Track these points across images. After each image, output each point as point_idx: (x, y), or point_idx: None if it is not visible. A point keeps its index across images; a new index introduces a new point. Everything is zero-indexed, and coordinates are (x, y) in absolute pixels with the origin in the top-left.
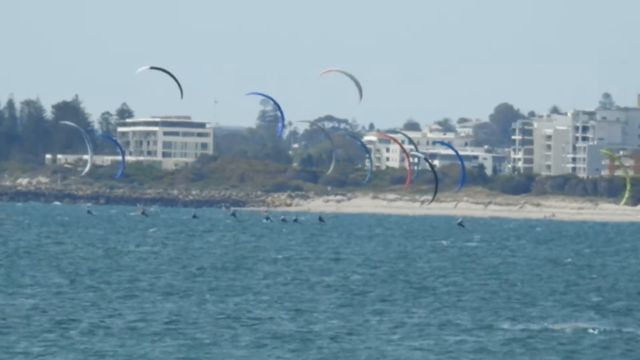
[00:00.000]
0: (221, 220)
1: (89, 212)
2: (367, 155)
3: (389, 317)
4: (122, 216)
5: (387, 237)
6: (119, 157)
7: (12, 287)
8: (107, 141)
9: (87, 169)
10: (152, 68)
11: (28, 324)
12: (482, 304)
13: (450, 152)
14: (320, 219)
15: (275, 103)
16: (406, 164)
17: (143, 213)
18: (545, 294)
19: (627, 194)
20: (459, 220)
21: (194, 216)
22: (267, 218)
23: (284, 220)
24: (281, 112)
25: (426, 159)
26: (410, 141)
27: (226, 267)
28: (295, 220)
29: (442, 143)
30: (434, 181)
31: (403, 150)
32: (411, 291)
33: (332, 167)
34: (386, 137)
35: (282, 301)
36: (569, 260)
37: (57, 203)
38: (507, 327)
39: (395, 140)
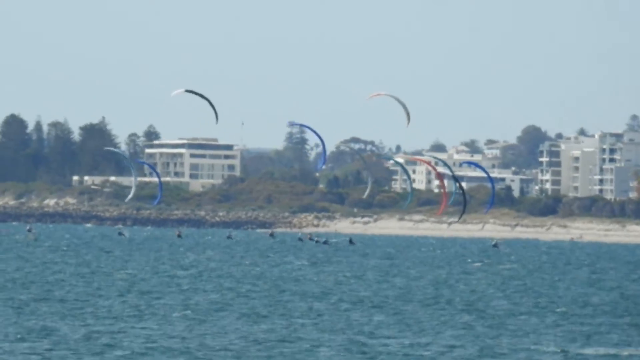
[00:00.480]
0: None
1: (120, 234)
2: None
3: None
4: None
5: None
6: (146, 179)
7: None
8: (137, 164)
9: (131, 194)
10: (187, 91)
11: None
12: None
13: (476, 174)
14: (351, 242)
15: (318, 135)
16: (441, 190)
17: (179, 235)
18: None
19: None
20: (494, 242)
21: (229, 237)
22: (300, 239)
23: (312, 240)
24: (323, 145)
25: (455, 178)
26: (444, 163)
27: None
28: (325, 242)
29: (471, 163)
30: (462, 203)
31: (438, 175)
32: None
33: (369, 188)
34: (416, 160)
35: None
36: None
37: (88, 225)
38: None
39: (430, 165)
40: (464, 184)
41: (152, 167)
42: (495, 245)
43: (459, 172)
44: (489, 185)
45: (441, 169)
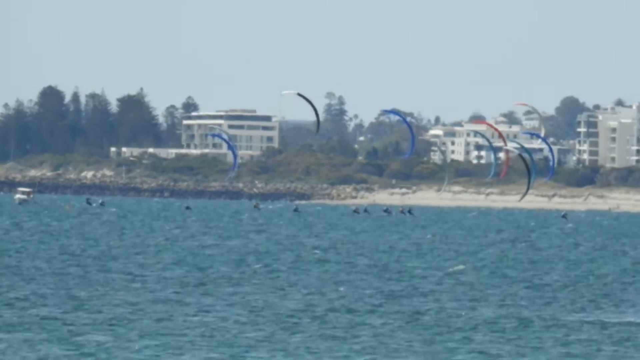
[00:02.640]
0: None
1: (187, 207)
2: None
3: None
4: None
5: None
6: (184, 151)
7: None
8: (175, 134)
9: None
10: (298, 95)
11: None
12: None
13: (515, 145)
14: (410, 212)
15: (408, 124)
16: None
17: (256, 206)
18: None
19: None
20: (564, 213)
21: (295, 210)
22: (356, 210)
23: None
24: (412, 133)
25: (520, 155)
26: (482, 135)
27: None
28: (366, 211)
29: (532, 134)
30: (526, 174)
31: (503, 140)
32: None
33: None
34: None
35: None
36: None
37: (156, 199)
38: None
39: (496, 130)
40: (501, 155)
41: (227, 140)
42: (564, 216)
43: (498, 144)
44: (527, 155)
45: (480, 140)
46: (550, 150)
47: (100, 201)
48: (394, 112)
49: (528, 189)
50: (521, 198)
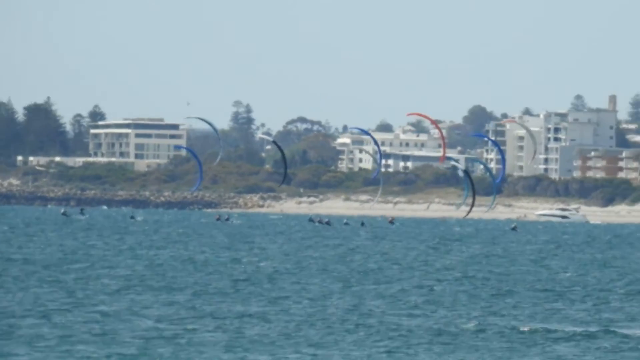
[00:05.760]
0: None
1: (132, 217)
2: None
3: None
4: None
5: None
6: (91, 159)
7: None
8: (82, 142)
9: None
10: (273, 143)
11: None
12: None
13: (422, 153)
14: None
15: (376, 143)
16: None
17: (218, 219)
18: None
19: None
20: (513, 226)
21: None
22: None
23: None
24: (379, 152)
25: (467, 173)
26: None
27: None
28: (328, 223)
29: (480, 135)
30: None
31: (443, 149)
32: None
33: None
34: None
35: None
36: None
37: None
38: None
39: (438, 129)
40: (409, 164)
41: (192, 151)
42: (514, 229)
43: (406, 152)
44: (435, 164)
45: (388, 149)
46: (488, 169)
47: None
48: (361, 129)
49: (473, 201)
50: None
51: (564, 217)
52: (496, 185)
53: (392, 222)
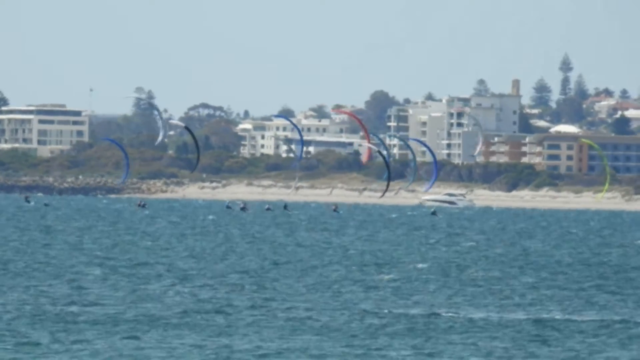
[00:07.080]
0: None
1: (46, 204)
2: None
3: None
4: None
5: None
6: None
7: None
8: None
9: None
10: (185, 128)
11: None
12: None
13: (325, 139)
14: (285, 207)
15: (297, 128)
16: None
17: (140, 205)
18: None
19: (605, 187)
20: (433, 210)
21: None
22: (268, 208)
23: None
24: (301, 137)
25: (379, 152)
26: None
27: None
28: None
29: (419, 141)
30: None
31: (366, 135)
32: None
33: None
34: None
35: None
36: None
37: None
38: None
39: (359, 122)
40: (311, 149)
41: (117, 142)
42: (434, 213)
43: (307, 137)
44: (337, 150)
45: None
46: (433, 155)
47: None
48: (283, 116)
49: (386, 189)
50: (382, 195)
51: (451, 202)
52: (413, 169)
53: (335, 210)
